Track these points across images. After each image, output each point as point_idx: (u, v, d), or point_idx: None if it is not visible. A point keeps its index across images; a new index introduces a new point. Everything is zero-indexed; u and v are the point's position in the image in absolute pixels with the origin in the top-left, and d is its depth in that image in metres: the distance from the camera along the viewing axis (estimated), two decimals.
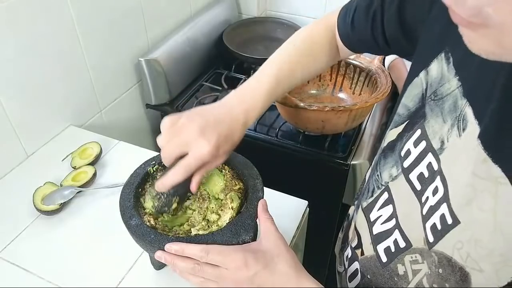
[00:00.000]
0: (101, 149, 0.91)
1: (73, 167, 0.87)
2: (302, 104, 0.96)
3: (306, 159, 1.09)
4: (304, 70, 0.71)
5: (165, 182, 0.57)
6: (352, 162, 1.05)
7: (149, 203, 0.61)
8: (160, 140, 0.58)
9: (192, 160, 0.56)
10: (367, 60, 1.11)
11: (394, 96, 1.27)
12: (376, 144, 1.12)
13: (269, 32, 1.53)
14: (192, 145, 0.56)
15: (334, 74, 1.16)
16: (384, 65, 1.19)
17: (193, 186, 0.59)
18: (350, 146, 1.09)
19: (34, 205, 0.78)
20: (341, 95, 1.18)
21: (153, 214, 0.61)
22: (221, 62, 1.42)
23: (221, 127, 0.58)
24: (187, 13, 1.35)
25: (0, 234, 0.75)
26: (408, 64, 1.22)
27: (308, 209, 0.82)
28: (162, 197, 0.59)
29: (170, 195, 0.59)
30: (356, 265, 0.61)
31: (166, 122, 0.58)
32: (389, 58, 1.27)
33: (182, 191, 0.60)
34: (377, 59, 1.10)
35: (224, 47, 1.37)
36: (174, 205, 0.60)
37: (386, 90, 1.00)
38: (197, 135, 0.56)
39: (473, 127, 0.42)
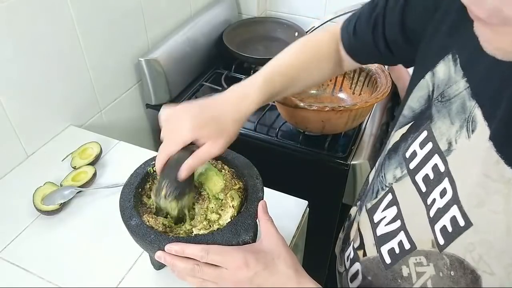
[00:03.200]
0: (101, 149, 0.91)
1: (73, 167, 0.87)
2: (302, 104, 0.96)
3: (306, 159, 1.09)
4: (305, 72, 0.71)
5: (156, 165, 0.59)
6: (352, 162, 1.05)
7: (152, 194, 0.62)
8: (161, 134, 0.60)
9: (171, 139, 0.57)
10: None
11: (394, 96, 1.27)
12: (376, 144, 1.12)
13: (269, 32, 1.53)
14: (176, 127, 0.58)
15: None
16: (384, 65, 1.19)
17: (181, 172, 0.56)
18: (350, 146, 1.09)
19: (34, 205, 0.78)
20: (341, 95, 1.18)
21: (158, 209, 0.61)
22: (221, 62, 1.41)
23: (208, 109, 0.60)
24: (187, 13, 1.35)
25: (0, 234, 0.75)
26: None
27: (308, 209, 0.82)
28: (158, 185, 0.59)
29: (163, 182, 0.58)
30: (357, 266, 0.61)
31: (161, 116, 0.60)
32: None
33: (172, 177, 0.58)
34: None
35: (224, 47, 1.37)
36: (164, 192, 0.58)
37: (386, 90, 1.00)
38: (181, 117, 0.58)
39: (483, 129, 0.42)
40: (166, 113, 0.60)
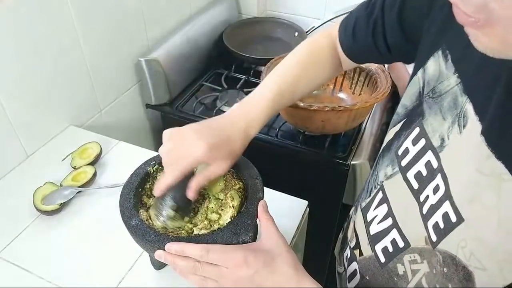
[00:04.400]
0: (101, 149, 0.91)
1: (73, 167, 0.87)
2: (302, 104, 0.96)
3: (306, 159, 1.09)
4: (307, 82, 0.71)
5: (159, 185, 0.58)
6: (352, 162, 1.05)
7: (152, 215, 0.60)
8: (161, 149, 0.59)
9: (185, 159, 0.56)
10: None
11: (394, 96, 1.27)
12: (376, 144, 1.12)
13: (269, 32, 1.53)
14: (188, 147, 0.57)
15: None
16: (384, 65, 1.19)
17: (189, 192, 0.58)
18: (350, 146, 1.09)
19: (34, 205, 0.78)
20: (341, 95, 1.18)
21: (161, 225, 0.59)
22: (221, 62, 1.41)
23: (219, 131, 0.59)
24: (187, 13, 1.35)
25: (0, 234, 0.75)
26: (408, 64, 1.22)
27: (308, 209, 0.82)
28: (160, 205, 0.58)
29: (168, 202, 0.58)
30: (355, 265, 0.61)
31: (166, 133, 0.59)
32: None
33: (178, 196, 0.58)
34: None
35: (224, 47, 1.37)
36: (171, 213, 0.58)
37: (386, 90, 1.00)
38: (193, 138, 0.57)
39: (474, 124, 0.42)
40: (172, 132, 0.59)
